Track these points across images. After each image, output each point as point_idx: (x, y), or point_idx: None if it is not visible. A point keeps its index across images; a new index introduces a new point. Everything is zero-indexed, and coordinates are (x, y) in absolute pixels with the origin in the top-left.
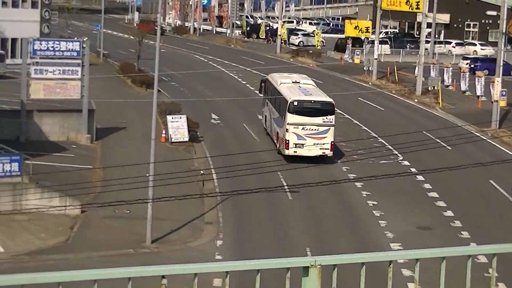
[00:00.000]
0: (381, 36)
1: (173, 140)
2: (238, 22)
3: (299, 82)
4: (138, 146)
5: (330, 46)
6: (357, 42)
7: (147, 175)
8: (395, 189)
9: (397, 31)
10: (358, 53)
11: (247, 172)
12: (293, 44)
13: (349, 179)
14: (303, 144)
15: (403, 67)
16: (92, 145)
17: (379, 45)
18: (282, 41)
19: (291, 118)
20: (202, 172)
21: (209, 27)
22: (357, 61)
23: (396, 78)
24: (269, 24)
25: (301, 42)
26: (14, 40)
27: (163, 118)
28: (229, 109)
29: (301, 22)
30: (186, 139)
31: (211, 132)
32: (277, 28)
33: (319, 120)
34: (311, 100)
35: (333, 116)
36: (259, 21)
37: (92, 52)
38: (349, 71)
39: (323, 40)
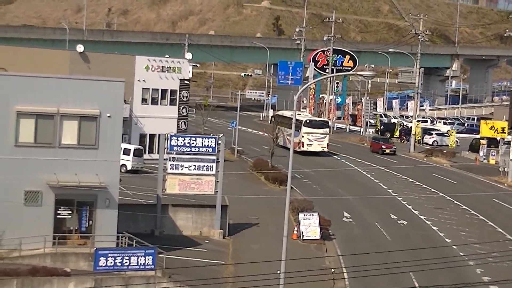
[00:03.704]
0: None
1: (304, 238)
2: (372, 121)
3: (300, 114)
4: (270, 242)
5: (464, 146)
6: (493, 142)
7: (278, 272)
8: None
9: None
10: (493, 153)
11: (378, 272)
12: (427, 144)
13: (483, 282)
14: (311, 144)
15: None
16: (225, 240)
17: None
18: (416, 140)
19: (305, 129)
20: (333, 270)
21: (343, 125)
22: (492, 161)
23: None
24: (403, 123)
25: (435, 142)
26: (152, 136)
27: (295, 215)
28: (361, 207)
29: (435, 122)
30: (318, 236)
31: (342, 230)
32: (411, 127)
33: (320, 131)
34: (316, 120)
35: (328, 129)
36: (393, 120)
37: (227, 148)
38: (484, 172)
39: (457, 140)
